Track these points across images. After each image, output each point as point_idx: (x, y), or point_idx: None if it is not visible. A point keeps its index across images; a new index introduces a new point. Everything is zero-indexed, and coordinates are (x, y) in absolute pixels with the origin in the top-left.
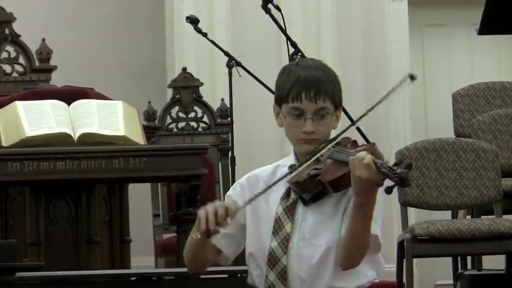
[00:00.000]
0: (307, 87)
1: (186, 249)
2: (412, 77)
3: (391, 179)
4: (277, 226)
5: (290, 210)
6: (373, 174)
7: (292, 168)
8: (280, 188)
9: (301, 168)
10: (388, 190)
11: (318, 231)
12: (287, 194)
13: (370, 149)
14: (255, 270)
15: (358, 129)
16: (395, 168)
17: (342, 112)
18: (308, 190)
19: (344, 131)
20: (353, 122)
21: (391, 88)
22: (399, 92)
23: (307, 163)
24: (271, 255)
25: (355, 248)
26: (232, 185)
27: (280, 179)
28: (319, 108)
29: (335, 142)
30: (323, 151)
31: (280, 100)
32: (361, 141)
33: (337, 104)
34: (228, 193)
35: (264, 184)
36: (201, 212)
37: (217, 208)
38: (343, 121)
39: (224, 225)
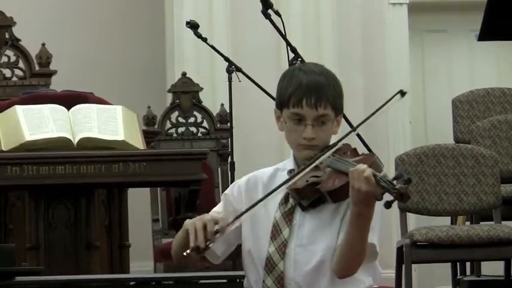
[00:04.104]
0: (308, 94)
1: (175, 247)
2: (403, 93)
3: (390, 194)
4: (275, 231)
5: (288, 216)
6: (372, 187)
7: (291, 173)
8: (279, 193)
9: (300, 175)
10: (387, 205)
11: (316, 238)
12: (285, 199)
13: (370, 160)
14: (253, 275)
15: (358, 135)
16: (394, 183)
17: (343, 118)
18: (307, 197)
19: (343, 137)
20: (353, 128)
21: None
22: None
23: (306, 170)
24: (269, 260)
25: (351, 257)
26: None
27: (279, 186)
28: (320, 115)
29: (335, 149)
30: (322, 158)
31: (281, 104)
32: (361, 147)
33: (338, 110)
34: (225, 192)
35: (262, 187)
36: (190, 227)
37: (207, 223)
38: (344, 126)
39: (214, 241)
